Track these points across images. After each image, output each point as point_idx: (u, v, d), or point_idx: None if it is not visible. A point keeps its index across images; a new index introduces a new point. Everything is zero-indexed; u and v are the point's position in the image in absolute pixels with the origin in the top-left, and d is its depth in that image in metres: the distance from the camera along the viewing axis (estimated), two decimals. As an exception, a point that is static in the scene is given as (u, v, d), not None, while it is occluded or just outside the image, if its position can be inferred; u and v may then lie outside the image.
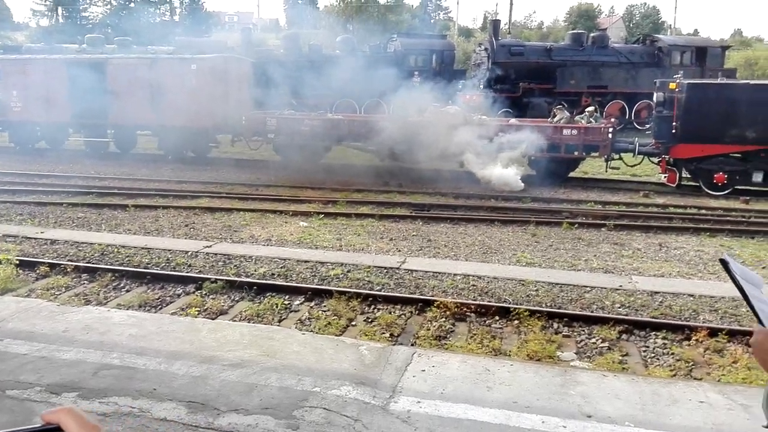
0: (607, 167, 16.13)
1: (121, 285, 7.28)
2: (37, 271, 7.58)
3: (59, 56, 20.85)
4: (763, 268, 8.65)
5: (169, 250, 8.73)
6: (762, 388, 1.60)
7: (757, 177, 14.52)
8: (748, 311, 6.62)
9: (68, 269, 7.58)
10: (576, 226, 10.98)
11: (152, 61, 19.16)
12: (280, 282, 7.40)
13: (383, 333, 6.01)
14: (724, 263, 1.67)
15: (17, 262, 7.57)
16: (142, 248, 8.80)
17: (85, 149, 20.22)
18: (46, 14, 57.82)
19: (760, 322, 1.63)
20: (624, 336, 6.07)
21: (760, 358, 1.59)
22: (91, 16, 57.91)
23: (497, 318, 6.44)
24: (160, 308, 6.59)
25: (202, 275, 7.52)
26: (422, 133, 15.29)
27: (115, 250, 8.72)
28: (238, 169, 17.60)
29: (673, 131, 14.75)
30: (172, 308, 6.58)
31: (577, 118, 16.83)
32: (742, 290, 1.64)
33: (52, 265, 7.73)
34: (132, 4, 56.22)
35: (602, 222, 11.19)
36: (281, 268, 8.03)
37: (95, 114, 18.79)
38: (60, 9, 56.54)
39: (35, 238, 9.25)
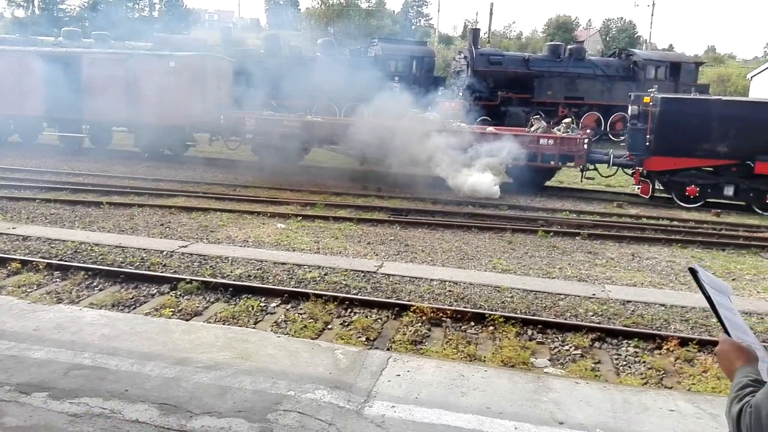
0: (582, 177, 16.37)
1: (94, 284, 7.17)
2: (8, 268, 7.43)
3: (34, 48, 20.51)
4: (734, 279, 8.84)
5: (144, 249, 8.62)
6: None
7: (729, 191, 14.85)
8: (717, 322, 6.77)
9: (40, 266, 7.44)
10: (551, 234, 11.11)
11: (129, 56, 18.95)
12: (256, 284, 7.35)
13: (359, 337, 6.01)
14: (693, 272, 1.71)
15: (-13, 258, 7.41)
16: (116, 247, 8.67)
17: (59, 144, 19.87)
18: (21, 5, 56.72)
19: (725, 331, 1.68)
20: (597, 344, 6.16)
21: (723, 366, 1.64)
22: (68, 8, 56.93)
23: (473, 324, 6.47)
24: (134, 308, 6.50)
25: (177, 275, 7.43)
26: (399, 138, 15.37)
27: (89, 248, 8.58)
28: (215, 169, 17.45)
29: (647, 144, 15.03)
30: (146, 308, 6.49)
31: (554, 129, 17.04)
32: (710, 299, 1.69)
33: (23, 262, 7.57)
34: (110, -1, 55.45)
35: (577, 231, 11.33)
36: (258, 269, 7.98)
37: (70, 109, 18.49)
38: (36, 0, 55.56)
39: (7, 234, 9.06)
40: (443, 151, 15.02)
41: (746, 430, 1.42)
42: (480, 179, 14.72)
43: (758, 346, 1.68)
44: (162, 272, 7.66)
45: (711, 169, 15.06)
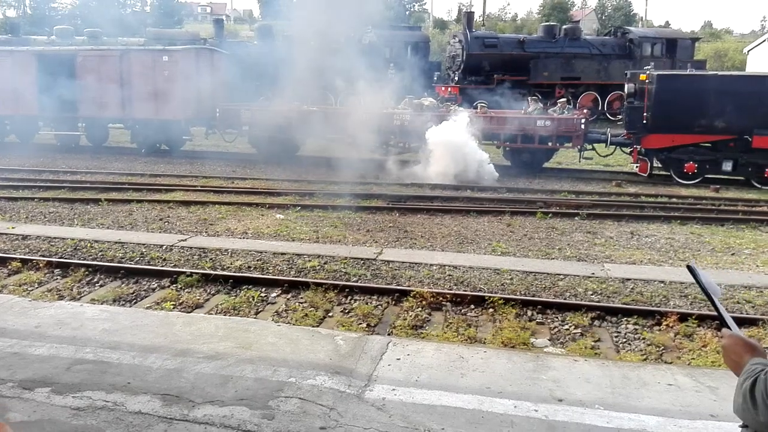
0: (580, 158, 16.35)
1: (95, 280, 7.20)
2: (9, 267, 7.46)
3: (27, 48, 20.43)
4: (733, 254, 8.86)
5: (144, 244, 8.64)
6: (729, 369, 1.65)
7: (727, 166, 14.83)
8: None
9: (40, 265, 7.47)
10: (550, 215, 11.12)
11: (123, 52, 18.88)
12: (256, 275, 7.38)
13: (360, 323, 6.04)
14: (692, 270, 1.72)
15: (-13, 258, 7.44)
16: (116, 243, 8.70)
17: (56, 143, 19.87)
18: (13, 5, 56.50)
19: (726, 325, 1.68)
20: (596, 322, 6.18)
21: (730, 360, 1.62)
22: (60, 6, 56.70)
23: (473, 307, 6.51)
24: (135, 302, 6.54)
25: (177, 269, 7.46)
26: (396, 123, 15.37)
27: (88, 244, 8.60)
28: (212, 162, 17.43)
29: (644, 122, 14.99)
30: (147, 302, 6.53)
31: (549, 110, 17.00)
32: (709, 294, 1.70)
33: (24, 261, 7.61)
34: (102, -5, 55.13)
35: (575, 211, 11.33)
36: (258, 260, 8.00)
37: (65, 107, 18.46)
38: (27, 0, 55.29)
39: (6, 234, 9.08)
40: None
41: (760, 396, 1.43)
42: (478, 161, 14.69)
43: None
44: (162, 266, 7.69)
45: (709, 144, 15.02)
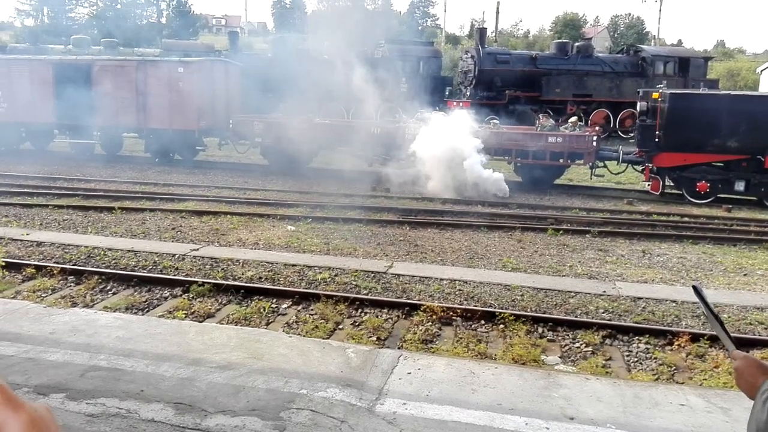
0: (591, 175, 16.34)
1: (108, 287, 7.26)
2: (24, 273, 7.54)
3: (45, 57, 20.73)
4: (745, 275, 8.81)
5: (156, 253, 8.71)
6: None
7: (739, 186, 14.78)
8: (725, 320, 6.75)
9: (54, 271, 7.55)
10: (561, 232, 11.11)
11: (139, 63, 19.11)
12: (267, 285, 7.42)
13: (370, 336, 6.05)
14: (697, 290, 1.73)
15: (3, 263, 7.52)
16: (129, 251, 8.77)
17: (70, 151, 20.08)
18: (31, 14, 57.35)
19: (734, 345, 1.69)
20: (608, 341, 6.16)
21: (743, 382, 1.60)
22: (77, 16, 57.52)
23: (483, 322, 6.50)
24: (147, 311, 6.59)
25: (189, 278, 7.51)
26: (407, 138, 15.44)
27: (102, 252, 8.68)
28: (225, 173, 17.56)
29: (657, 140, 14.97)
30: (159, 311, 6.57)
31: (561, 128, 17.03)
32: (715, 315, 1.71)
33: (38, 267, 7.68)
34: (119, 6, 55.92)
35: (587, 229, 11.32)
36: (269, 271, 8.04)
37: (81, 116, 18.69)
38: (45, 9, 56.10)
39: (21, 240, 9.19)
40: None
41: None
42: (490, 176, 14.72)
43: None
44: (174, 275, 7.74)
45: (721, 164, 14.98)
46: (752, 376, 1.60)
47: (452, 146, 14.53)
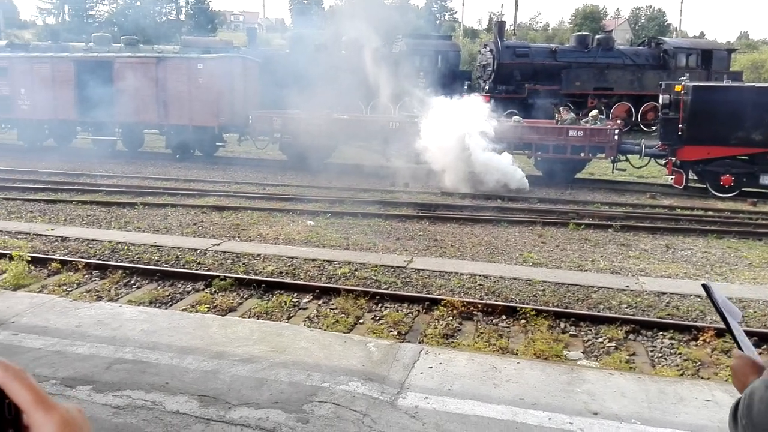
0: (613, 169, 16.17)
1: (132, 282, 7.35)
2: (49, 268, 7.66)
3: (66, 54, 20.99)
4: (770, 269, 8.67)
5: (179, 248, 8.80)
6: None
7: (765, 179, 14.53)
8: (747, 317, 6.64)
9: (79, 266, 7.66)
10: (582, 227, 11.01)
11: (159, 60, 19.27)
12: (288, 280, 7.46)
13: (391, 331, 6.06)
14: (707, 288, 1.69)
15: (29, 258, 7.63)
16: (152, 246, 8.87)
17: (93, 147, 20.33)
18: (52, 12, 58.05)
19: (739, 347, 1.66)
20: (631, 336, 6.10)
21: (737, 381, 1.59)
22: (97, 14, 58.14)
23: (504, 317, 6.48)
24: (171, 305, 6.66)
25: (211, 272, 7.58)
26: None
27: (125, 247, 8.79)
28: (244, 168, 17.68)
29: (679, 133, 14.77)
30: (183, 305, 6.64)
31: (582, 121, 16.88)
32: (723, 315, 1.68)
33: (63, 262, 7.81)
34: (138, 3, 56.39)
35: (609, 223, 11.21)
36: (289, 266, 8.09)
37: (102, 113, 18.90)
38: (66, 7, 56.77)
39: (46, 235, 9.33)
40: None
41: (741, 419, 1.41)
42: (498, 164, 14.58)
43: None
44: (197, 270, 7.82)
45: (746, 157, 14.74)
46: (744, 375, 1.58)
47: (456, 133, 14.35)
